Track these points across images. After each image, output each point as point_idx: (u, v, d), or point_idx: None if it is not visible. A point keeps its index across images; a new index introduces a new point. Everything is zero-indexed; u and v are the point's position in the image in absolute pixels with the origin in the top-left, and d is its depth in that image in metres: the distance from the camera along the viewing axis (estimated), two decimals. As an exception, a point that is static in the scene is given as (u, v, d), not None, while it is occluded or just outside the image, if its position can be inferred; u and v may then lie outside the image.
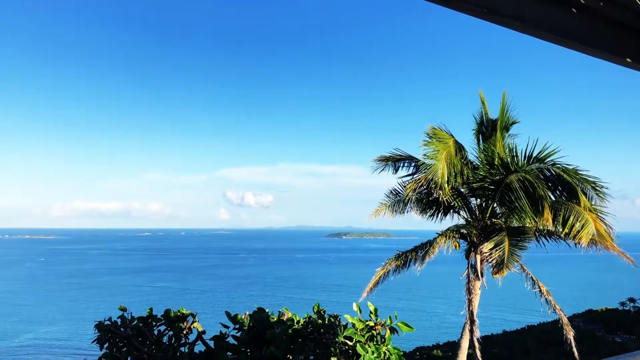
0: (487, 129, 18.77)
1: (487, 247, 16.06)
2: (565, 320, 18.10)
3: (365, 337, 6.74)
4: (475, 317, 17.70)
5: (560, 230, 16.54)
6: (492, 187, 17.62)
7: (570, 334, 18.10)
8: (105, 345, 7.91)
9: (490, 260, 16.06)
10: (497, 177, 17.57)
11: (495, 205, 18.37)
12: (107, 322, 8.00)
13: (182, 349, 7.84)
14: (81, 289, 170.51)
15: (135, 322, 8.00)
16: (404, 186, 19.57)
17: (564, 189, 16.96)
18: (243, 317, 7.77)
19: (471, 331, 17.47)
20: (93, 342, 8.04)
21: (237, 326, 7.67)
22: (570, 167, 16.89)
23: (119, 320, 8.01)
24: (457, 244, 18.24)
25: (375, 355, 6.46)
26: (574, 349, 17.93)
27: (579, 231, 16.17)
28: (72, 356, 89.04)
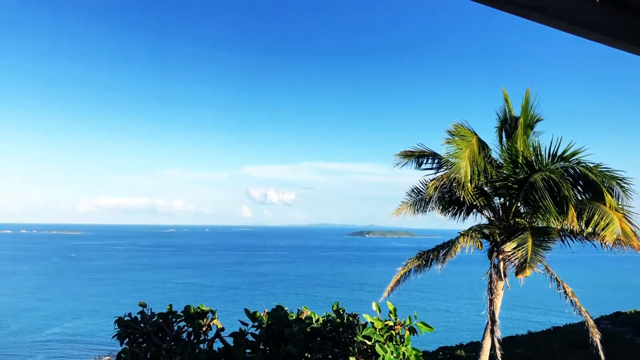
0: (511, 127, 18.46)
1: (509, 246, 15.79)
2: (591, 322, 17.72)
3: (385, 337, 6.67)
4: (496, 318, 17.43)
5: (585, 229, 16.23)
6: (515, 186, 17.32)
7: (596, 336, 17.72)
8: (126, 341, 7.98)
9: (512, 260, 15.80)
10: (521, 176, 17.25)
11: (519, 204, 18.07)
12: (126, 318, 8.07)
13: (201, 345, 7.87)
14: (106, 284, 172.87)
15: (155, 318, 8.05)
16: (426, 184, 19.33)
17: (589, 189, 16.61)
18: (262, 314, 7.76)
19: (492, 332, 17.21)
20: (113, 337, 8.11)
21: (256, 324, 7.66)
22: (595, 165, 16.53)
23: (139, 316, 8.08)
24: (479, 244, 17.97)
25: (394, 355, 6.38)
26: (600, 352, 17.58)
27: (603, 229, 15.85)
28: (96, 351, 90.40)
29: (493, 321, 17.30)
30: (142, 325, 8.00)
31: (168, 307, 8.26)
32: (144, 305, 8.24)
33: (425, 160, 19.57)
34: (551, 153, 16.94)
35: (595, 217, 15.91)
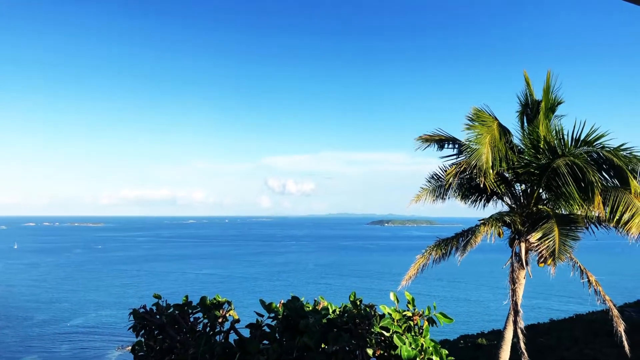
0: (532, 111, 17.95)
1: (535, 237, 15.36)
2: (615, 312, 17.25)
3: (403, 328, 6.47)
4: (519, 308, 17.06)
5: (609, 218, 15.77)
6: (537, 172, 16.87)
7: (620, 326, 17.29)
8: (141, 333, 7.90)
9: (538, 250, 15.39)
10: (543, 162, 16.79)
11: (540, 191, 17.63)
12: (141, 310, 7.98)
13: (217, 337, 7.76)
14: (128, 275, 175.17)
15: (171, 309, 7.95)
16: (445, 171, 18.96)
17: (615, 174, 16.10)
18: (278, 305, 7.61)
19: (515, 322, 16.85)
20: (129, 329, 8.04)
21: (272, 315, 7.52)
22: (618, 146, 15.97)
23: (154, 308, 7.98)
24: (500, 232, 17.57)
25: (412, 347, 6.19)
26: (625, 341, 17.20)
27: (628, 222, 15.42)
28: (119, 342, 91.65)
29: (516, 311, 16.92)
30: (157, 317, 7.92)
31: (184, 298, 8.16)
32: (159, 297, 8.15)
33: (445, 145, 19.19)
34: (574, 137, 16.42)
35: (621, 207, 15.46)
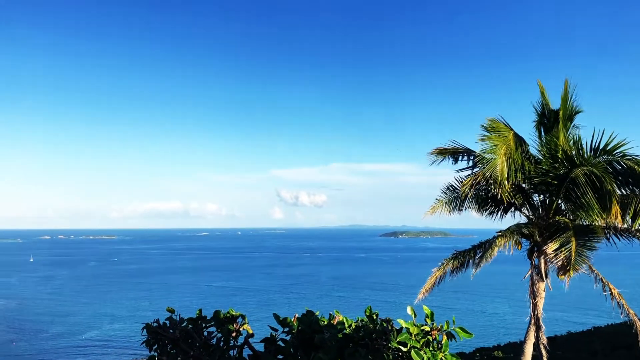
0: (549, 121, 17.68)
1: (551, 247, 15.06)
2: (639, 325, 16.83)
3: (421, 343, 6.29)
4: (541, 322, 16.69)
5: (632, 226, 15.44)
6: (555, 182, 16.57)
7: (644, 340, 16.85)
8: (154, 347, 7.81)
9: (555, 261, 15.09)
10: (561, 171, 16.50)
11: (559, 201, 17.32)
12: (154, 324, 7.89)
13: (230, 352, 7.65)
14: (142, 288, 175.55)
15: (185, 323, 7.86)
16: (461, 182, 18.70)
17: (636, 183, 15.77)
18: (292, 319, 7.49)
19: (537, 337, 16.47)
20: (142, 344, 7.96)
21: (287, 329, 7.40)
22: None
23: (167, 322, 7.89)
24: (519, 244, 17.26)
25: (431, 362, 6.01)
26: (646, 355, 16.78)
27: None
28: (133, 354, 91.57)
29: (538, 326, 16.55)
30: (170, 331, 7.83)
31: (197, 312, 8.08)
32: (172, 311, 8.09)
33: (460, 157, 18.91)
34: (593, 146, 16.11)
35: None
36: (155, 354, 7.72)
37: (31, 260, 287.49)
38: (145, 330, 7.86)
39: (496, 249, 16.70)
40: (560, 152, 16.78)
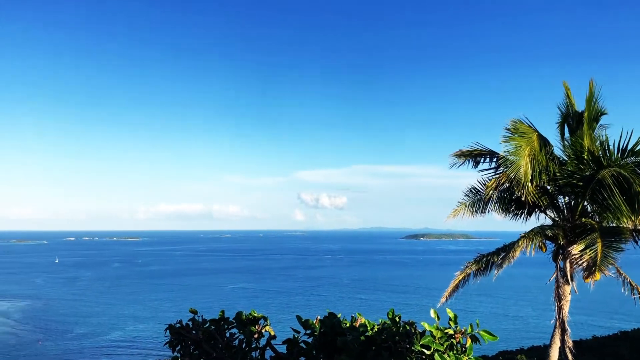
0: (574, 121, 17.42)
1: (576, 248, 14.81)
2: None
3: (445, 346, 6.21)
4: (566, 326, 16.41)
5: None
6: (581, 183, 16.30)
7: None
8: (177, 348, 7.86)
9: (580, 263, 14.83)
10: (587, 173, 16.22)
11: (585, 203, 17.03)
12: (177, 325, 7.95)
13: (252, 353, 7.66)
14: (165, 289, 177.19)
15: (207, 324, 7.90)
16: (484, 184, 18.48)
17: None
18: (314, 321, 7.47)
19: (562, 340, 16.21)
20: (165, 345, 8.01)
21: (309, 331, 7.38)
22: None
23: (190, 323, 7.94)
24: (543, 246, 17.00)
25: (455, 365, 5.94)
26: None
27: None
28: (156, 355, 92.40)
29: (563, 330, 16.29)
30: (193, 332, 7.88)
31: (220, 313, 8.12)
32: (195, 312, 8.14)
33: (482, 159, 18.66)
34: (621, 147, 15.77)
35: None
36: (178, 355, 7.78)
37: (56, 261, 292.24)
38: (168, 331, 7.92)
39: (519, 250, 16.47)
40: (586, 153, 16.51)
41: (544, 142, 17.21)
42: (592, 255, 14.25)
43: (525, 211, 18.69)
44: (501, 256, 17.38)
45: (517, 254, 16.70)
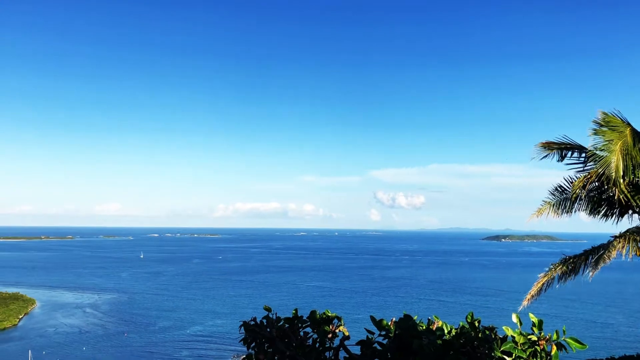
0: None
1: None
2: None
3: (527, 353, 5.87)
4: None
5: None
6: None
7: None
8: (252, 345, 7.88)
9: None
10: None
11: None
12: (251, 322, 7.97)
13: (326, 353, 7.56)
14: (243, 286, 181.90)
15: (281, 322, 7.87)
16: (571, 182, 17.46)
17: None
18: (389, 323, 7.27)
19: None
20: (240, 341, 8.07)
21: (383, 333, 7.19)
22: None
23: (264, 321, 7.94)
24: (638, 250, 15.86)
25: (539, 374, 5.57)
26: None
27: None
28: (233, 350, 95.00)
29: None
30: (267, 330, 7.88)
31: (294, 311, 8.06)
32: (269, 310, 8.12)
33: (569, 154, 17.58)
34: None
35: None
36: (252, 352, 7.79)
37: (141, 256, 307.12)
38: (242, 328, 7.96)
39: (614, 251, 15.39)
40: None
41: (638, 136, 16.05)
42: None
43: (617, 211, 17.50)
44: (594, 257, 16.32)
45: (613, 255, 15.64)
